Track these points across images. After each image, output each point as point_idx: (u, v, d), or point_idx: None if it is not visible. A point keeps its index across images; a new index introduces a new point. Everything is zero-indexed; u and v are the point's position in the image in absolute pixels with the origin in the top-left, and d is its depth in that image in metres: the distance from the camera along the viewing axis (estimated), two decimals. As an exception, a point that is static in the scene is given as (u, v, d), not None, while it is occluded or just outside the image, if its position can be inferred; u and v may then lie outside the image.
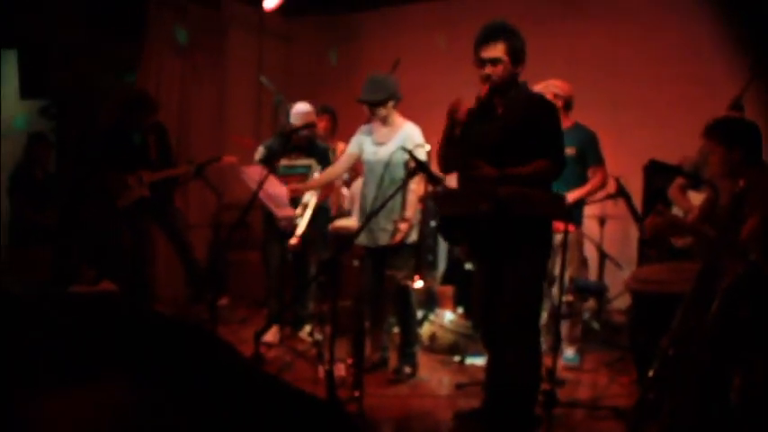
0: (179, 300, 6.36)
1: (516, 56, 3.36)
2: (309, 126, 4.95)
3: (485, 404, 3.70)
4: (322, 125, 5.83)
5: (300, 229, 4.80)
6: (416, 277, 4.45)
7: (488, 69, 3.34)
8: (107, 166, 5.67)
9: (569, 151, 3.96)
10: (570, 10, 6.34)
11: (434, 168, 3.84)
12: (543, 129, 3.38)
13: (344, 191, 5.75)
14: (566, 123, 4.34)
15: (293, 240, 4.77)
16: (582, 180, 4.65)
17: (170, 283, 6.60)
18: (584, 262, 5.49)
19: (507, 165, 3.29)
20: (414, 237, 4.45)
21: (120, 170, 5.64)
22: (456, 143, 3.43)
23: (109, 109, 6.03)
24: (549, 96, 4.08)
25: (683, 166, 4.59)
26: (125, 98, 5.87)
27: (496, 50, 3.32)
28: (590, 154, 4.69)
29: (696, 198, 4.51)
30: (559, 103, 4.49)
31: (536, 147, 3.34)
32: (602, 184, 4.67)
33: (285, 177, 5.01)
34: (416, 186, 4.39)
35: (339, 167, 4.72)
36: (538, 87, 4.30)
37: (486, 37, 3.34)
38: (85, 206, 6.12)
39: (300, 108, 5.12)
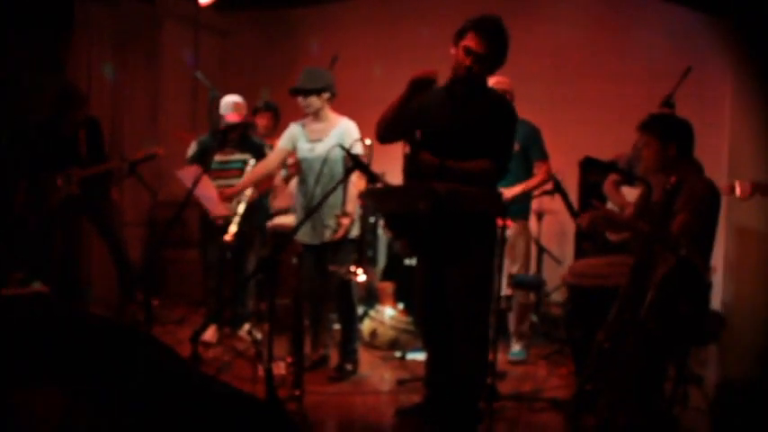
0: (113, 300, 6.20)
1: (501, 59, 3.28)
2: (246, 124, 4.91)
3: (426, 399, 3.70)
4: (263, 122, 5.76)
5: (234, 226, 4.73)
6: (360, 270, 4.41)
7: (470, 61, 3.20)
8: (37, 165, 5.48)
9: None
10: (517, 7, 6.38)
11: (374, 142, 3.73)
12: (499, 131, 3.32)
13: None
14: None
15: (227, 237, 4.71)
16: (526, 175, 4.70)
17: (104, 284, 6.43)
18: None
19: (454, 156, 3.25)
20: (355, 232, 4.44)
21: (49, 168, 5.45)
22: (406, 116, 3.32)
23: (41, 106, 5.83)
24: None
25: (618, 163, 4.68)
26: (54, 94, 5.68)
27: (488, 47, 3.20)
28: (534, 149, 4.74)
29: (630, 193, 4.62)
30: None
31: (485, 146, 3.28)
32: (546, 180, 4.73)
33: (219, 173, 4.93)
34: (357, 180, 4.36)
35: (271, 163, 4.64)
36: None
37: (482, 29, 3.19)
38: (14, 207, 5.89)
39: (230, 98, 5.08)
